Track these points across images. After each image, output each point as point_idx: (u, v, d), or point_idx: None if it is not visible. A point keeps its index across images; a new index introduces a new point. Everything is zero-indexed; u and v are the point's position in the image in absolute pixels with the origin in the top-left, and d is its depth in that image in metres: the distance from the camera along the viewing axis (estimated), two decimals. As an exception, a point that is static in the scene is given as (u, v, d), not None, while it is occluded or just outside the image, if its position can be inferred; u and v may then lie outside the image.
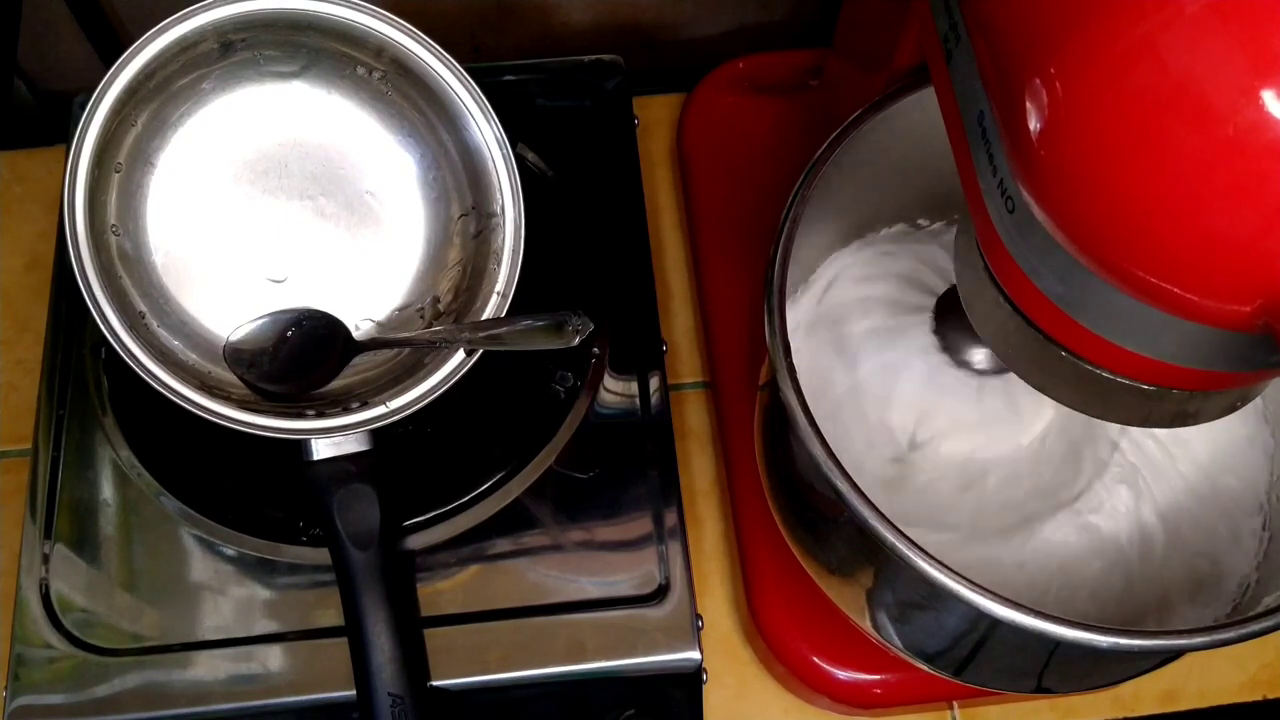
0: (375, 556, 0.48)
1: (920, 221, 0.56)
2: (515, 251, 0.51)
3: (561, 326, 0.48)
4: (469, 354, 0.49)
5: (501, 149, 0.51)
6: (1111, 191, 0.26)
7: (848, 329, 0.54)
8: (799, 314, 0.54)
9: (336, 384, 0.51)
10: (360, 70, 0.53)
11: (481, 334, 0.48)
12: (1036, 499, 0.51)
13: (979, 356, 0.51)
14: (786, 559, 0.50)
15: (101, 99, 0.47)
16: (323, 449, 0.48)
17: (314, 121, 0.54)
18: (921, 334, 0.52)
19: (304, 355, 0.49)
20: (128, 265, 0.51)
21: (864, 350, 0.53)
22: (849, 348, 0.53)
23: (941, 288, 0.54)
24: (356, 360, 0.51)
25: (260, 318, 0.49)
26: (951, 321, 0.51)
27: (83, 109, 0.48)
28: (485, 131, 0.51)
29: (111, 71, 0.48)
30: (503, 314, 0.50)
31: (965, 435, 0.51)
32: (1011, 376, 0.50)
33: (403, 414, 0.48)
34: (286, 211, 0.53)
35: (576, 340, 0.48)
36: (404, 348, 0.51)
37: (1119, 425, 0.51)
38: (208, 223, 0.53)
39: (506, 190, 0.52)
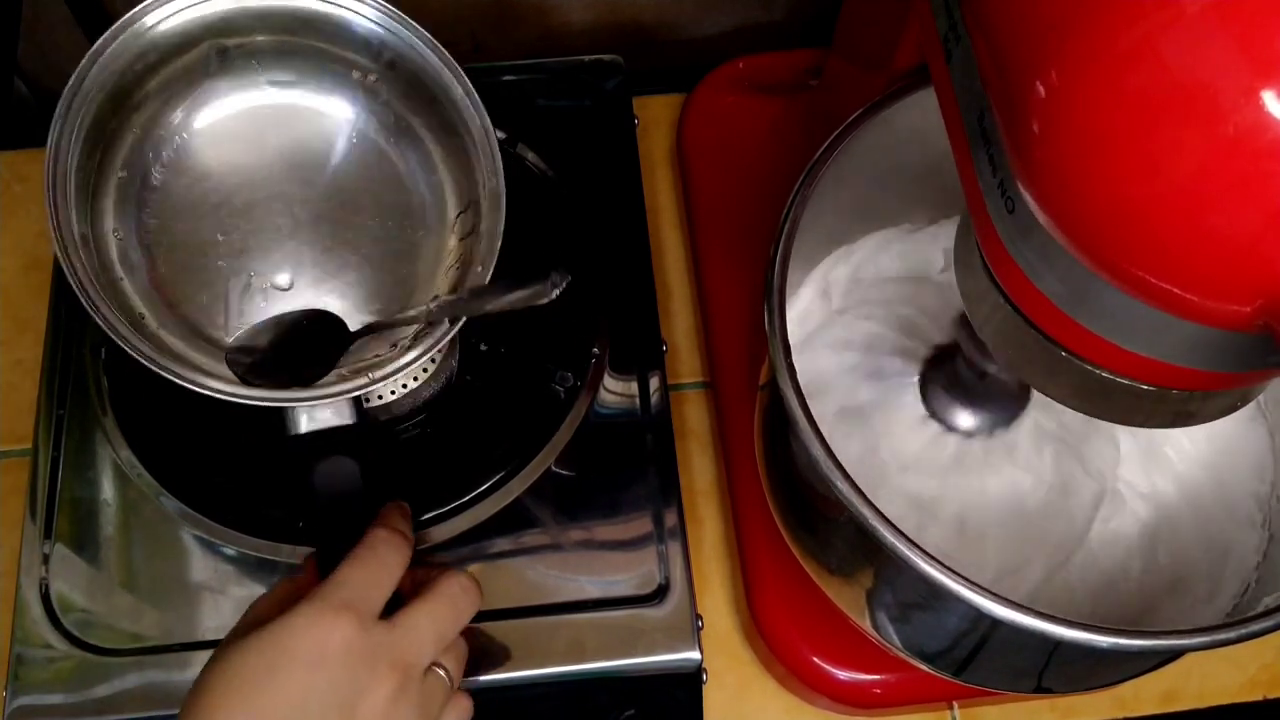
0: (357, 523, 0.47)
1: (920, 221, 0.56)
2: (495, 228, 0.50)
3: (541, 281, 0.48)
4: (453, 324, 0.48)
5: (488, 137, 0.50)
6: (1112, 192, 0.26)
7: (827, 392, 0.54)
8: (799, 313, 0.54)
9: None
10: (356, 75, 0.53)
11: (465, 302, 0.48)
12: (1037, 544, 0.51)
13: (964, 419, 0.52)
14: (786, 559, 0.50)
15: (73, 96, 0.48)
16: (304, 423, 0.47)
17: (313, 128, 0.54)
18: (909, 396, 0.53)
19: (303, 351, 0.49)
20: (129, 268, 0.51)
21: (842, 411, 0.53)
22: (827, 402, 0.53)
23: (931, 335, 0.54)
24: (354, 354, 0.50)
25: (261, 324, 0.49)
26: (937, 386, 0.53)
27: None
28: (474, 122, 0.51)
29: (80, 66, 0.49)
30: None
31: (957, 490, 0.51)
32: (999, 437, 0.51)
33: (384, 380, 0.47)
34: (287, 216, 0.53)
35: (555, 293, 0.47)
36: (402, 334, 0.50)
37: (1116, 429, 0.51)
38: (209, 228, 0.53)
39: (487, 170, 0.50)
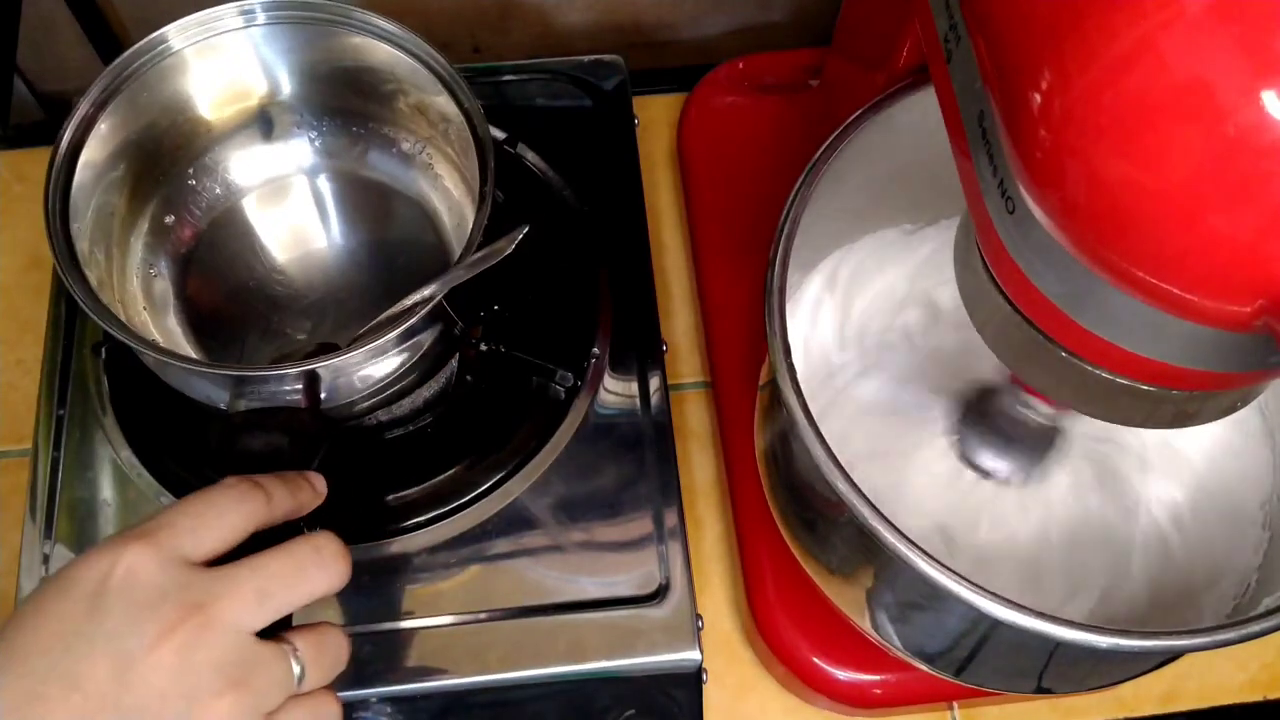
0: None
1: (920, 222, 0.56)
2: (479, 223, 0.49)
3: (500, 238, 0.47)
4: (428, 301, 0.47)
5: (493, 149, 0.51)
6: (1112, 192, 0.26)
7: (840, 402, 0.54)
8: (798, 314, 0.54)
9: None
10: (406, 145, 0.56)
11: (438, 283, 0.47)
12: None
13: (998, 463, 0.51)
14: (786, 559, 0.50)
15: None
16: (244, 403, 0.46)
17: (360, 192, 0.57)
18: (933, 431, 0.52)
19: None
20: (151, 302, 0.53)
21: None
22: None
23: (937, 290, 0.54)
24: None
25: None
26: (973, 429, 0.52)
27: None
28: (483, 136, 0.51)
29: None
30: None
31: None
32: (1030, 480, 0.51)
33: (344, 355, 0.45)
34: (321, 271, 0.55)
35: (512, 247, 0.47)
36: (388, 331, 0.50)
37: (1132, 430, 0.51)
38: (242, 276, 0.55)
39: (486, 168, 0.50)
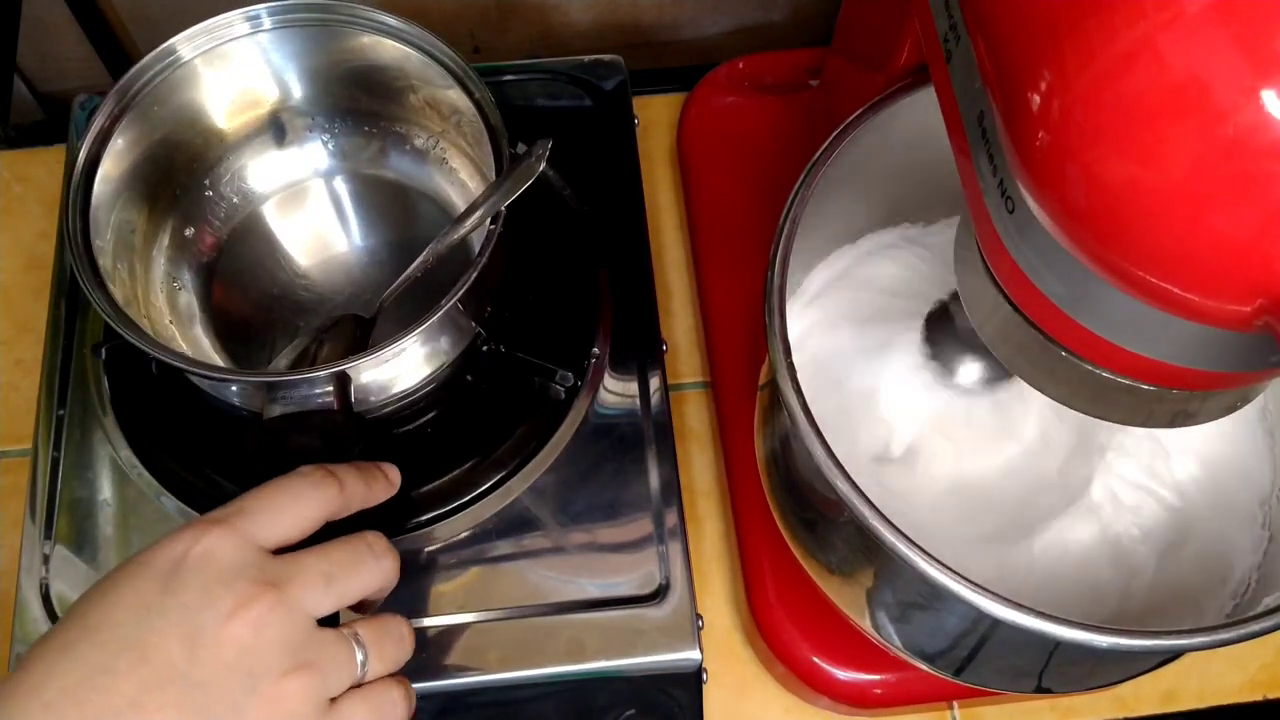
0: None
1: (920, 221, 0.56)
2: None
3: (526, 161, 0.47)
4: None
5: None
6: (1111, 191, 0.26)
7: (840, 337, 0.54)
8: (798, 314, 0.54)
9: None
10: (419, 141, 0.56)
11: (456, 226, 0.47)
12: (1032, 506, 0.51)
13: (968, 371, 0.51)
14: (786, 559, 0.50)
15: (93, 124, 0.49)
16: (278, 408, 0.45)
17: (378, 193, 0.57)
18: (911, 349, 0.52)
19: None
20: (177, 315, 0.54)
21: (855, 361, 0.53)
22: (841, 356, 0.53)
23: (935, 293, 0.54)
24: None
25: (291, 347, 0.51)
26: (940, 337, 0.51)
27: (83, 110, 0.48)
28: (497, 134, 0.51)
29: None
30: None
31: (954, 447, 0.51)
32: (1000, 391, 0.50)
33: (366, 359, 0.46)
34: (344, 276, 0.56)
35: (541, 166, 0.46)
36: (413, 278, 0.50)
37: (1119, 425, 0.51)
38: (267, 284, 0.56)
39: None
